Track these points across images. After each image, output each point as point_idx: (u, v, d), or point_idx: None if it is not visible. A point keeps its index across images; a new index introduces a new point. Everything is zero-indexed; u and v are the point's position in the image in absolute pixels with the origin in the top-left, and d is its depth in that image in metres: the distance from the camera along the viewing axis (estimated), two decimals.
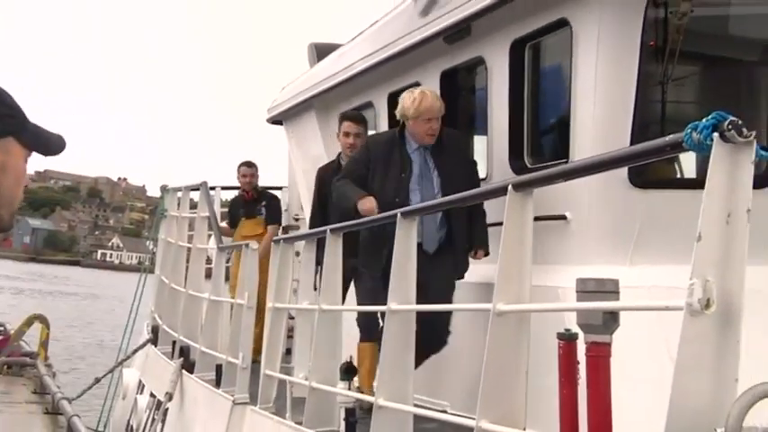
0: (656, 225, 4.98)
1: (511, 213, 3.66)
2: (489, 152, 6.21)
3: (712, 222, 2.70)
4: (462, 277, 5.87)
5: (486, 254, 5.76)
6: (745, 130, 2.62)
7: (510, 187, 3.65)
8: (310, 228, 7.17)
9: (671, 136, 2.83)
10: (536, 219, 5.33)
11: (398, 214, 4.46)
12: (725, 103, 5.16)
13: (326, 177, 7.05)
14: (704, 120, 2.67)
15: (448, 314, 5.81)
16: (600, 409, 3.64)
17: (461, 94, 6.71)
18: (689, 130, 2.72)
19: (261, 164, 9.92)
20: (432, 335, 5.56)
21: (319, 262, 6.29)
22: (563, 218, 5.34)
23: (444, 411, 5.42)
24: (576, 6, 5.07)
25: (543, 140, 5.88)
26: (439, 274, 5.70)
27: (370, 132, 8.28)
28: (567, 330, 3.96)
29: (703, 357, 2.71)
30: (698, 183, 4.51)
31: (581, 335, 3.83)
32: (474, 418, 3.72)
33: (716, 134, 2.64)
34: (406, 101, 5.80)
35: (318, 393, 5.56)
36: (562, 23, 5.23)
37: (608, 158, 3.34)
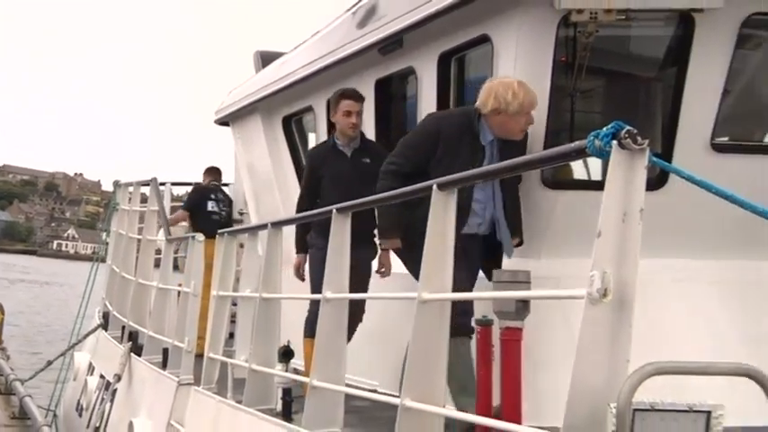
0: (565, 222, 5.08)
1: (435, 210, 3.70)
2: None
3: (610, 220, 2.78)
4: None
5: (520, 243, 5.16)
6: (639, 138, 2.70)
7: (435, 186, 3.70)
8: (298, 211, 6.39)
9: (576, 143, 2.90)
10: None
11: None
12: (624, 113, 5.27)
13: (319, 160, 6.37)
14: (605, 128, 2.75)
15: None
16: (512, 386, 3.74)
17: (394, 100, 6.73)
18: (591, 138, 2.79)
19: (207, 162, 9.90)
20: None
21: (311, 246, 6.19)
22: None
23: (374, 391, 5.46)
24: (496, 24, 5.14)
25: None
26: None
27: (311, 136, 8.34)
28: (484, 317, 4.04)
29: (600, 341, 2.78)
30: (602, 184, 4.64)
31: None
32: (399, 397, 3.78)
33: (614, 141, 2.72)
34: (505, 94, 4.87)
35: (258, 375, 5.58)
36: (484, 39, 5.29)
37: (522, 162, 3.42)
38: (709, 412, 2.74)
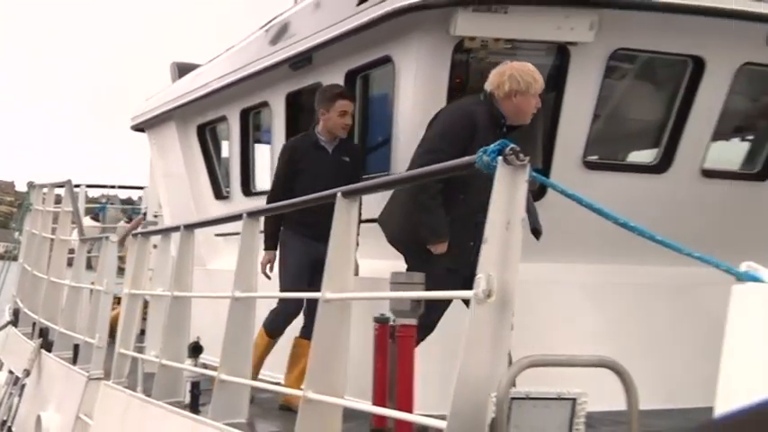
0: None
1: (339, 216, 3.76)
2: None
3: (496, 228, 2.87)
4: None
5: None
6: (521, 155, 2.82)
7: (339, 194, 3.77)
8: (270, 202, 5.60)
9: (467, 158, 3.01)
10: (367, 221, 5.50)
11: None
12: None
13: (300, 153, 5.70)
14: (492, 146, 2.88)
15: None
16: (406, 377, 3.80)
17: (303, 113, 6.77)
18: (480, 154, 2.90)
19: (122, 167, 9.70)
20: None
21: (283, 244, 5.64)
22: (376, 221, 5.50)
23: (279, 384, 5.49)
24: (398, 47, 5.24)
25: (370, 155, 6.01)
26: None
27: (224, 144, 8.30)
28: (382, 315, 4.12)
29: (484, 337, 2.88)
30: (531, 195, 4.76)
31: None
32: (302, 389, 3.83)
33: (500, 158, 2.84)
34: (525, 75, 4.58)
35: (167, 369, 5.52)
36: (387, 60, 5.38)
37: (417, 174, 3.52)
38: (574, 399, 2.87)
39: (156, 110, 9.05)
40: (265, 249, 5.58)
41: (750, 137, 6.06)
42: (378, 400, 3.87)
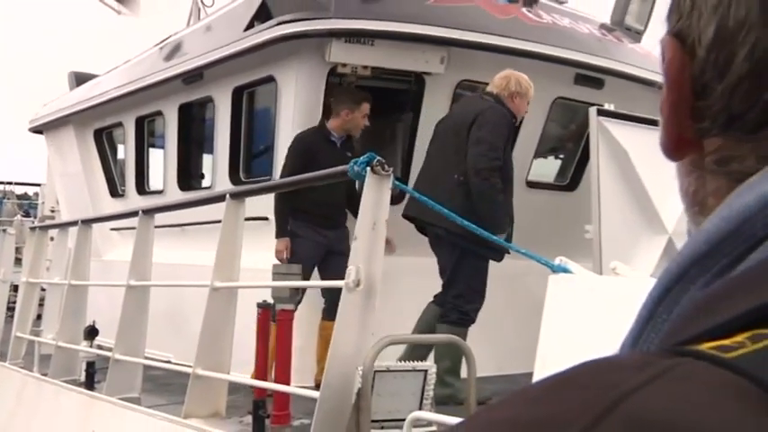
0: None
1: (227, 215, 3.74)
2: (214, 168, 6.21)
3: (364, 228, 2.95)
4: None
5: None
6: (386, 166, 2.92)
7: (228, 196, 3.74)
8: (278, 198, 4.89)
9: (340, 167, 3.07)
10: (255, 219, 5.43)
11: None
12: (379, 145, 5.56)
13: (315, 146, 4.96)
14: (361, 158, 2.95)
15: None
16: (284, 355, 3.80)
17: (194, 123, 6.63)
18: (352, 164, 2.98)
19: (22, 166, 9.11)
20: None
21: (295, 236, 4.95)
22: (266, 219, 5.47)
23: (168, 362, 5.36)
24: (280, 68, 5.23)
25: (254, 162, 5.95)
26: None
27: (120, 147, 7.98)
28: (265, 301, 4.11)
29: (353, 320, 2.97)
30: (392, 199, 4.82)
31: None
32: (191, 366, 3.77)
33: (368, 168, 2.92)
34: (522, 81, 4.52)
35: (63, 350, 5.28)
36: (270, 79, 5.34)
37: (297, 180, 3.55)
38: (426, 371, 2.99)
39: (54, 114, 8.57)
40: (278, 237, 4.89)
41: (561, 156, 6.41)
42: (258, 375, 3.87)
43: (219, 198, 3.77)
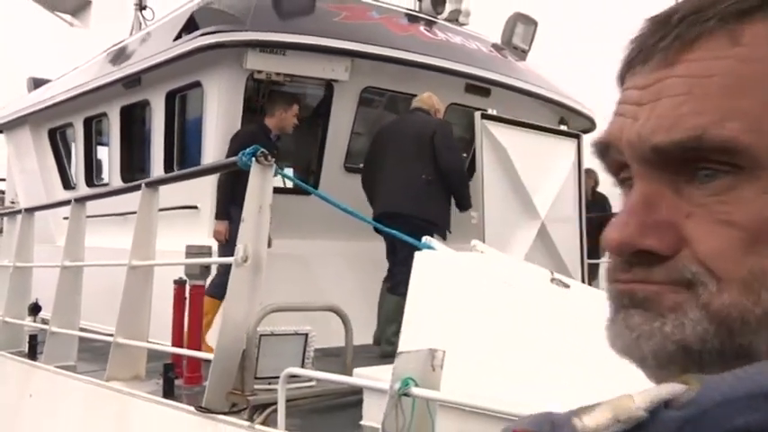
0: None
1: (143, 202, 3.70)
2: (151, 163, 6.07)
3: (252, 211, 2.96)
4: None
5: None
6: (268, 157, 2.94)
7: (143, 185, 3.70)
8: (222, 183, 4.62)
9: (231, 158, 3.08)
10: (179, 207, 5.37)
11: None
12: (296, 143, 5.57)
13: (258, 141, 4.24)
14: (247, 150, 2.97)
15: None
16: (196, 325, 3.80)
17: (135, 124, 6.50)
18: (240, 155, 2.99)
19: None
20: None
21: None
22: (195, 207, 5.45)
23: (100, 333, 5.26)
24: (205, 75, 5.18)
25: (186, 157, 5.88)
26: None
27: (73, 146, 7.77)
28: (181, 278, 4.09)
29: (243, 291, 2.98)
30: (288, 190, 4.81)
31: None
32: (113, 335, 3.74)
33: (254, 159, 2.94)
34: (437, 102, 5.02)
35: (10, 325, 5.15)
36: (197, 84, 5.31)
37: (199, 170, 3.54)
38: (306, 334, 3.04)
39: (12, 115, 8.29)
40: (218, 219, 4.70)
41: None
42: (175, 343, 3.86)
43: (137, 187, 3.72)
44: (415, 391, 2.12)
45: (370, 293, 4.80)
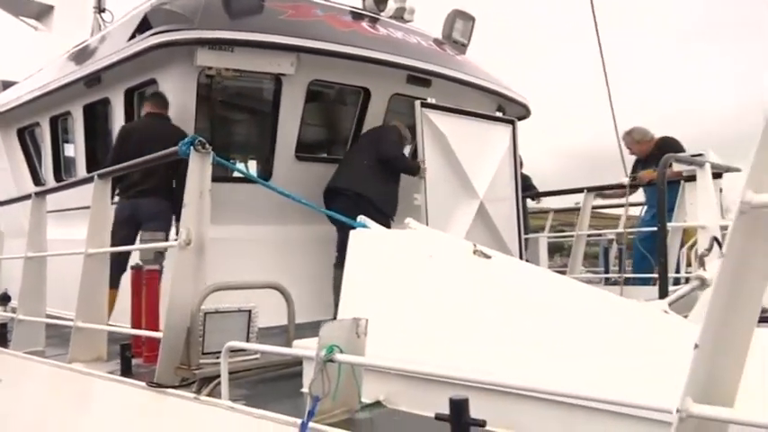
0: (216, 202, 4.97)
1: (96, 193, 3.62)
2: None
3: (193, 197, 2.91)
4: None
5: None
6: (206, 145, 2.89)
7: (96, 176, 3.62)
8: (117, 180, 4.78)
9: (171, 149, 3.02)
10: None
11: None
12: (245, 133, 5.50)
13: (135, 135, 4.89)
14: (186, 138, 2.91)
15: None
16: (152, 307, 3.74)
17: (98, 121, 6.34)
18: (181, 144, 2.93)
19: None
20: None
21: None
22: None
23: (64, 319, 5.13)
24: (160, 72, 5.07)
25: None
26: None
27: (41, 145, 7.53)
28: (137, 263, 4.02)
29: (187, 272, 2.94)
30: (241, 179, 4.75)
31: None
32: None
33: (192, 147, 2.89)
34: (402, 128, 5.61)
35: None
36: (153, 81, 5.18)
37: (136, 162, 3.46)
38: (249, 311, 3.02)
39: None
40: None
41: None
42: (134, 325, 3.80)
43: (90, 179, 3.64)
44: (339, 357, 2.13)
45: (317, 274, 4.81)
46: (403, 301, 2.73)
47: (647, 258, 5.73)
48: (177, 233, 2.91)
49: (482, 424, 1.75)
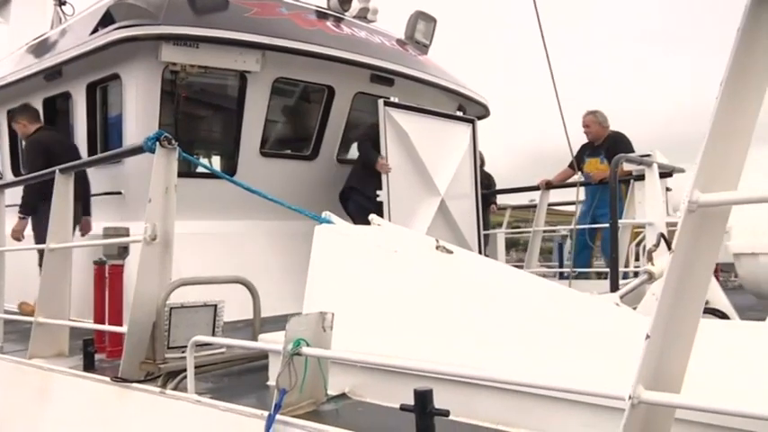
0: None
1: (58, 188, 3.50)
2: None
3: (158, 192, 2.83)
4: None
5: None
6: (172, 141, 2.82)
7: (57, 171, 3.50)
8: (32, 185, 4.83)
9: (136, 143, 2.93)
10: (106, 193, 5.12)
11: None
12: (210, 129, 5.40)
13: (56, 146, 5.14)
14: (152, 134, 2.83)
15: None
16: (115, 302, 3.65)
17: (59, 115, 6.12)
18: (146, 140, 2.85)
19: None
20: None
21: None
22: (120, 193, 5.22)
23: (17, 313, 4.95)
24: (123, 67, 4.93)
25: (109, 146, 5.60)
26: None
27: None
28: (101, 258, 3.91)
29: (153, 267, 2.87)
30: (207, 174, 4.67)
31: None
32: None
33: (158, 143, 2.82)
34: None
35: None
36: (116, 76, 5.05)
37: (100, 157, 3.37)
38: (216, 305, 2.98)
39: None
40: (22, 215, 5.07)
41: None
42: (97, 320, 3.69)
43: (51, 173, 3.51)
44: (305, 350, 2.12)
45: (287, 269, 4.77)
46: (368, 296, 2.74)
47: (584, 251, 5.88)
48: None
49: (446, 414, 1.77)
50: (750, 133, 1.29)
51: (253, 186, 3.32)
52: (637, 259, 5.09)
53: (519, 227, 8.82)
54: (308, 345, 2.14)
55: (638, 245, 4.96)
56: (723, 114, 1.25)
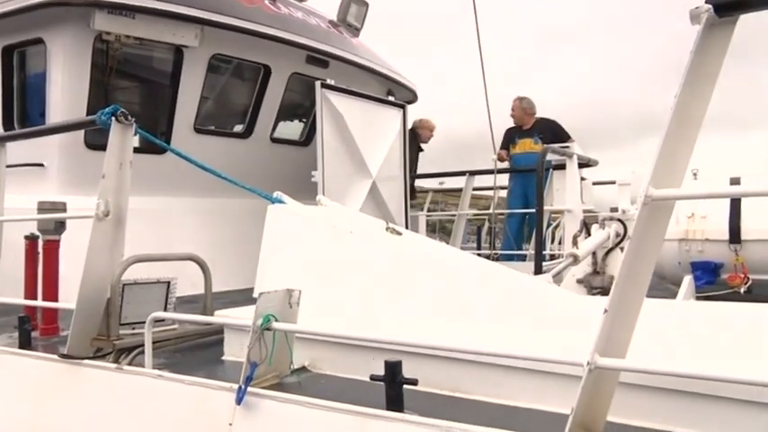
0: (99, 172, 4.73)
1: None
2: None
3: (112, 168, 2.71)
4: None
5: None
6: (128, 117, 2.70)
7: None
8: None
9: (89, 117, 2.78)
10: (24, 165, 4.75)
11: None
12: (146, 103, 5.15)
13: None
14: (107, 109, 2.70)
15: None
16: (50, 280, 3.47)
17: None
18: (99, 114, 2.71)
19: None
20: None
21: None
22: (41, 165, 4.86)
23: None
24: (49, 32, 4.57)
25: (28, 114, 5.19)
26: None
27: None
28: (32, 234, 3.67)
29: (105, 243, 2.75)
30: (144, 150, 4.46)
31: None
32: None
33: (113, 117, 2.68)
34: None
35: None
36: (40, 41, 4.67)
37: (48, 128, 3.16)
38: (168, 282, 2.92)
39: None
40: None
41: (304, 119, 6.51)
42: (28, 296, 3.48)
43: None
44: (275, 325, 2.17)
45: (227, 245, 4.70)
46: (323, 273, 2.80)
47: (519, 234, 6.24)
48: None
49: (414, 382, 1.89)
50: (694, 140, 1.50)
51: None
52: (552, 242, 5.49)
53: (435, 210, 9.12)
54: (276, 320, 2.19)
55: (555, 229, 5.35)
56: (675, 125, 1.45)
